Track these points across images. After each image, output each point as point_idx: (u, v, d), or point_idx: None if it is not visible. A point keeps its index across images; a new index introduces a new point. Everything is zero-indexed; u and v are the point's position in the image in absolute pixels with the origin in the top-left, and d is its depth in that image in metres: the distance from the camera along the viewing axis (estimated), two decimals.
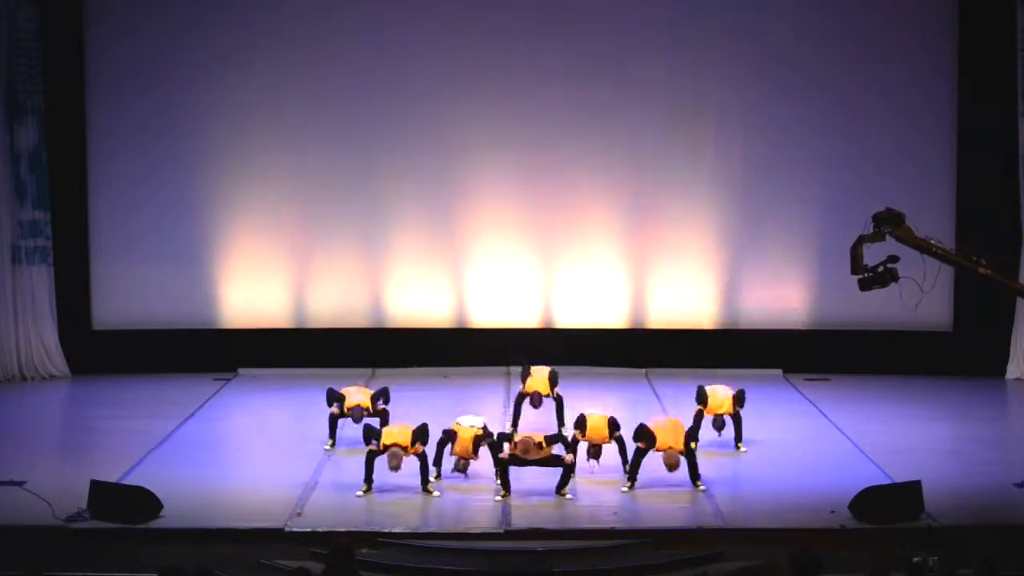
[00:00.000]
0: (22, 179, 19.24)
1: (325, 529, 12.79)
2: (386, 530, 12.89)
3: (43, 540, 12.63)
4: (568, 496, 13.90)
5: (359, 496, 13.82)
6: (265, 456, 15.86)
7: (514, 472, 13.95)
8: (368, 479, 13.88)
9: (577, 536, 12.88)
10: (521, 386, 15.76)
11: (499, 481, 13.77)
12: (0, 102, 19.06)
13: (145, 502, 13.09)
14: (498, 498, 13.70)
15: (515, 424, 15.68)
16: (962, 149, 19.54)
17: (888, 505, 13.14)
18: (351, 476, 14.50)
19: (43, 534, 12.73)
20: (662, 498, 13.87)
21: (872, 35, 19.58)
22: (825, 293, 19.84)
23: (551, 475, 14.00)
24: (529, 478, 14.14)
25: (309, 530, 12.85)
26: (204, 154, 19.75)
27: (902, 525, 12.91)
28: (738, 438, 15.29)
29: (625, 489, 13.94)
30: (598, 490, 13.98)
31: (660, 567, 12.37)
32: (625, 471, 14.09)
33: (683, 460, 13.77)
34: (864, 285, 14.39)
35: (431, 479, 13.97)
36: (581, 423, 14.20)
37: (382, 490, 14.16)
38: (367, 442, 13.98)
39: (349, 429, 15.43)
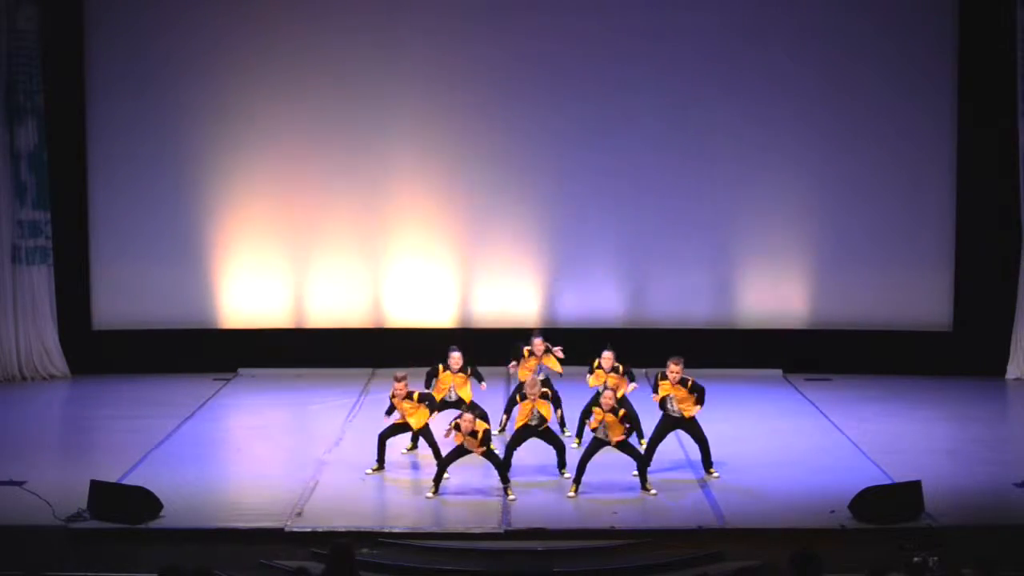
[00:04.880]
0: (22, 179, 19.24)
1: (325, 529, 12.81)
2: (386, 530, 12.90)
3: (43, 540, 12.63)
4: (567, 475, 14.20)
5: (405, 453, 14.96)
6: (265, 456, 15.86)
7: (514, 469, 14.12)
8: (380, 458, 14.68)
9: (577, 536, 12.88)
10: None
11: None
12: (0, 102, 19.07)
13: (145, 502, 13.10)
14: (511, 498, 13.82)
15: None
16: (962, 149, 19.54)
17: (888, 505, 13.15)
18: (351, 476, 14.53)
19: (43, 534, 12.73)
20: (662, 498, 13.88)
21: (872, 36, 19.57)
22: (825, 293, 19.86)
23: (550, 465, 14.37)
24: (530, 473, 14.21)
25: (309, 530, 12.86)
26: (204, 154, 19.75)
27: (902, 525, 12.91)
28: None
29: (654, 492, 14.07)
30: (598, 490, 13.98)
31: (660, 567, 12.37)
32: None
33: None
34: None
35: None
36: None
37: (383, 487, 14.19)
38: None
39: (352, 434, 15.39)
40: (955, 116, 19.56)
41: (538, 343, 15.96)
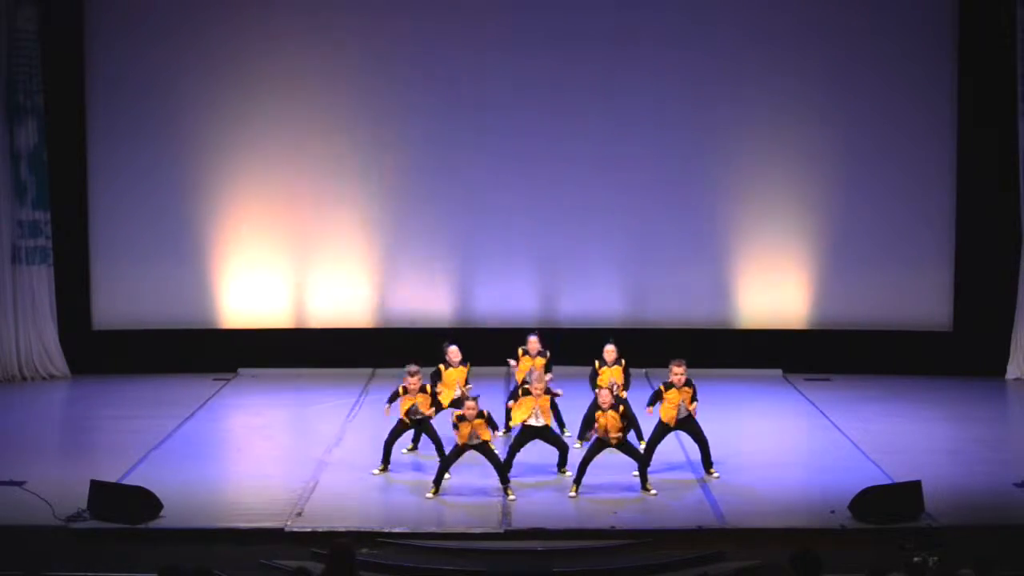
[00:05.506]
0: (22, 179, 19.23)
1: (325, 529, 12.80)
2: (386, 530, 12.89)
3: (43, 540, 12.63)
4: (567, 473, 14.21)
5: (404, 453, 14.90)
6: (265, 456, 15.86)
7: (514, 469, 14.16)
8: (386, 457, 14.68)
9: (577, 536, 12.88)
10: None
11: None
12: (0, 102, 19.06)
13: (145, 502, 13.09)
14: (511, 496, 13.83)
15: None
16: (962, 149, 19.54)
17: (888, 505, 13.14)
18: (351, 476, 14.53)
19: (43, 534, 12.73)
20: (662, 498, 13.88)
21: (872, 36, 19.58)
22: (825, 293, 19.85)
23: (550, 466, 14.40)
24: (530, 472, 14.23)
25: (309, 530, 12.85)
26: (204, 154, 19.75)
27: (902, 525, 12.91)
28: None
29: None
30: (598, 490, 13.98)
31: (660, 567, 12.37)
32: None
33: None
34: None
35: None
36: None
37: (383, 487, 14.19)
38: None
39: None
40: (955, 116, 19.56)
41: (533, 341, 15.96)
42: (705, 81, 19.68)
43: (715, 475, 14.42)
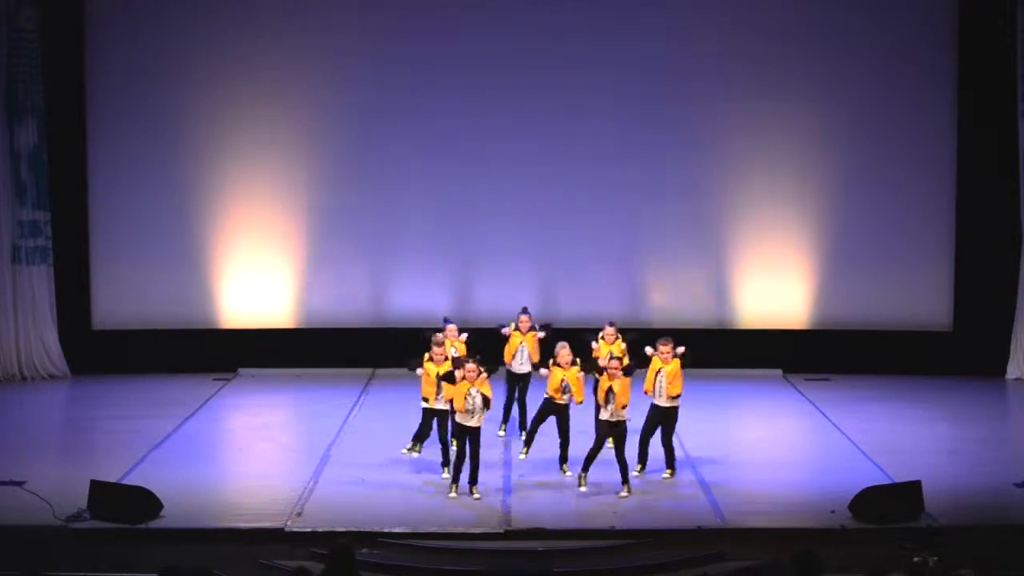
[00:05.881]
0: (22, 179, 19.24)
1: (325, 529, 12.81)
2: (386, 530, 12.90)
3: (43, 540, 12.64)
4: (568, 473, 14.23)
5: (404, 453, 14.91)
6: (265, 456, 15.86)
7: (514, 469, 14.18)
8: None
9: (577, 536, 12.89)
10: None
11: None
12: (0, 102, 19.07)
13: (145, 502, 13.10)
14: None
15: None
16: (962, 149, 19.54)
17: (888, 505, 13.15)
18: (351, 476, 14.53)
19: (43, 534, 12.74)
20: (662, 498, 13.88)
21: (872, 36, 19.58)
22: (825, 293, 19.86)
23: (551, 466, 14.38)
24: (530, 472, 14.23)
25: (309, 530, 12.86)
26: (204, 154, 19.75)
27: (902, 525, 12.92)
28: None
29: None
30: (598, 490, 13.99)
31: (660, 567, 12.38)
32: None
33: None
34: None
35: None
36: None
37: (383, 487, 14.19)
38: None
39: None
40: (955, 116, 19.56)
41: (524, 319, 15.97)
42: (704, 81, 19.67)
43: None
